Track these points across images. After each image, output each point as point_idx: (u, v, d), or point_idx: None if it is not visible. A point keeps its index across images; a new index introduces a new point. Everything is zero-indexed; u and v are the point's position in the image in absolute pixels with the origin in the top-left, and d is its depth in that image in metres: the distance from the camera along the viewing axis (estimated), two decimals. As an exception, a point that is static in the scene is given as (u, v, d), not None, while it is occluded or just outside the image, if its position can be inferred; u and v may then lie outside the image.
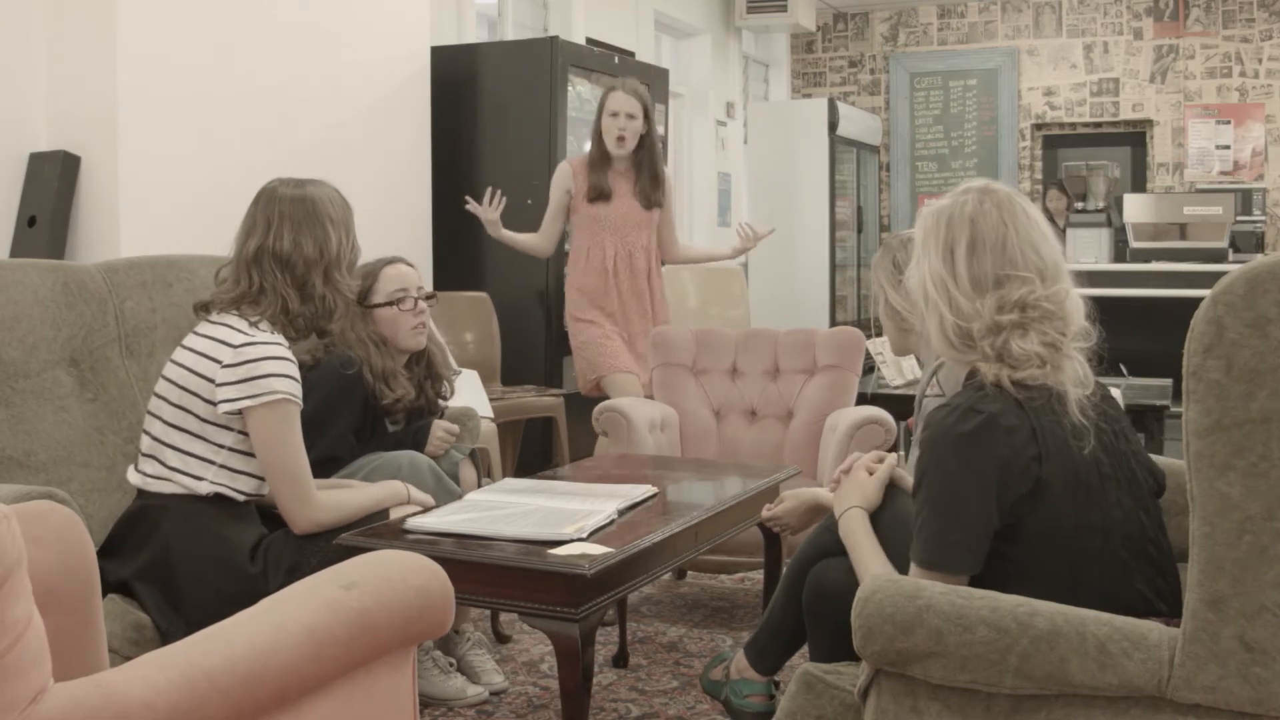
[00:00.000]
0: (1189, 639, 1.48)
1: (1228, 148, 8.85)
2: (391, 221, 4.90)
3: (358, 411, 2.90)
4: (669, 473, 3.17)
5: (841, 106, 8.44)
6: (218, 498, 2.35)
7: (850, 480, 2.16)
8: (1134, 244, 7.26)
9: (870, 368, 4.46)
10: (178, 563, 2.29)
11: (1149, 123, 9.10)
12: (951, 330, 1.83)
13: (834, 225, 8.37)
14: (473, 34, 6.04)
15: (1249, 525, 1.42)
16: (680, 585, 4.00)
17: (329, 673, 1.40)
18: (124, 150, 3.90)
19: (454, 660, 2.95)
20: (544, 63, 5.31)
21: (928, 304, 1.87)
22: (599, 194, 4.32)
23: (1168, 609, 1.72)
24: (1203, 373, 1.44)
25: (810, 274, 8.31)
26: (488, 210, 4.34)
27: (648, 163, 4.34)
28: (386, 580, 1.50)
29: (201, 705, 1.21)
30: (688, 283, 6.25)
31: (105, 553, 2.30)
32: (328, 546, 2.31)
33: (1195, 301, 1.50)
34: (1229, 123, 8.85)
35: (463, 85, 5.42)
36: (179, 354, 2.40)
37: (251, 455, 2.36)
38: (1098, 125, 9.29)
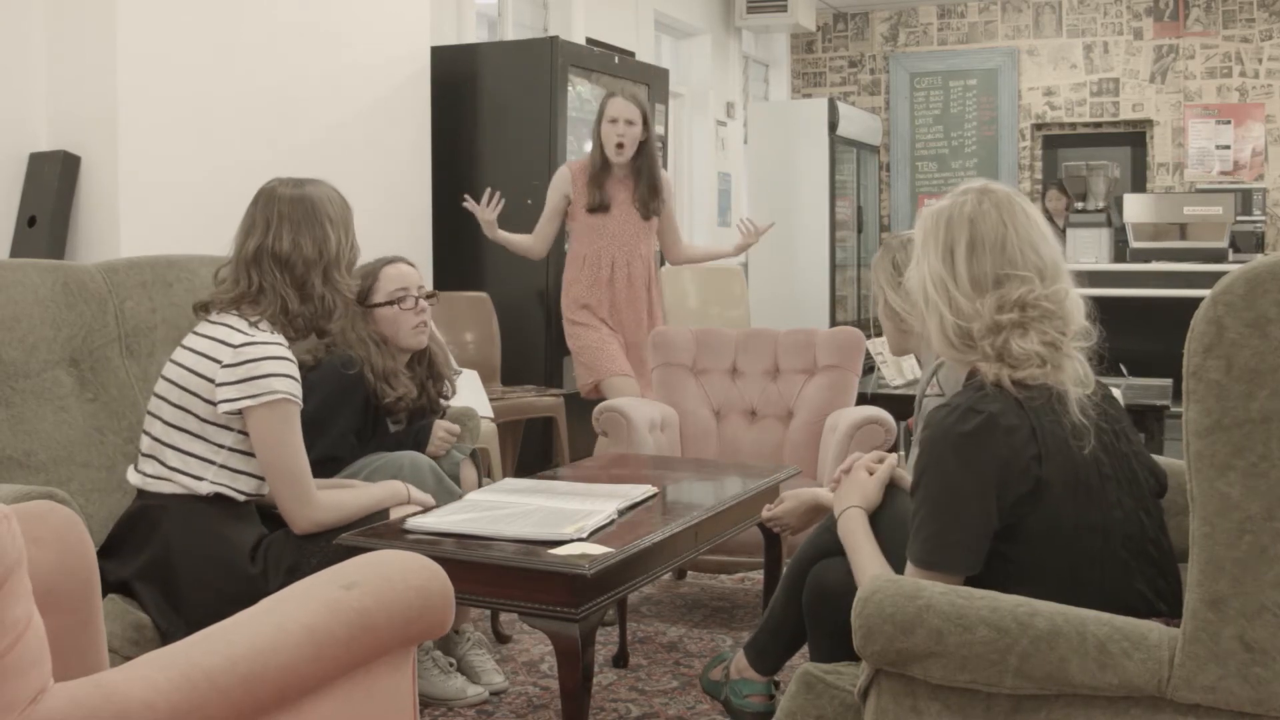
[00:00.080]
0: (1189, 639, 1.48)
1: (1228, 148, 8.85)
2: (391, 221, 4.90)
3: (359, 411, 2.90)
4: (669, 473, 3.17)
5: (841, 106, 8.44)
6: (218, 498, 2.35)
7: (850, 480, 2.16)
8: (1134, 244, 7.26)
9: (870, 368, 4.46)
10: (178, 563, 2.29)
11: (1149, 123, 9.10)
12: (951, 330, 1.83)
13: (834, 225, 8.37)
14: (473, 34, 6.04)
15: (1249, 525, 1.42)
16: (680, 585, 4.00)
17: (329, 673, 1.40)
18: (124, 150, 3.90)
19: (454, 660, 2.95)
20: (544, 63, 5.31)
21: (927, 304, 1.87)
22: (598, 205, 4.32)
23: (1168, 609, 1.72)
24: (1203, 373, 1.44)
25: (810, 274, 8.31)
26: (485, 211, 4.34)
27: (646, 171, 4.34)
28: (386, 580, 1.50)
29: (201, 705, 1.21)
30: (688, 283, 6.25)
31: (105, 553, 2.30)
32: (328, 546, 2.31)
33: (1195, 301, 1.50)
34: (1229, 123, 8.85)
35: (463, 85, 5.42)
36: (179, 354, 2.40)
37: (252, 455, 2.36)
38: (1098, 125, 9.29)
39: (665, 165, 5.25)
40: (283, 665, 1.31)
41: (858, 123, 8.76)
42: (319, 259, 2.44)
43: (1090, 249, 7.37)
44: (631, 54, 7.01)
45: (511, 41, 6.16)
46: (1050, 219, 8.05)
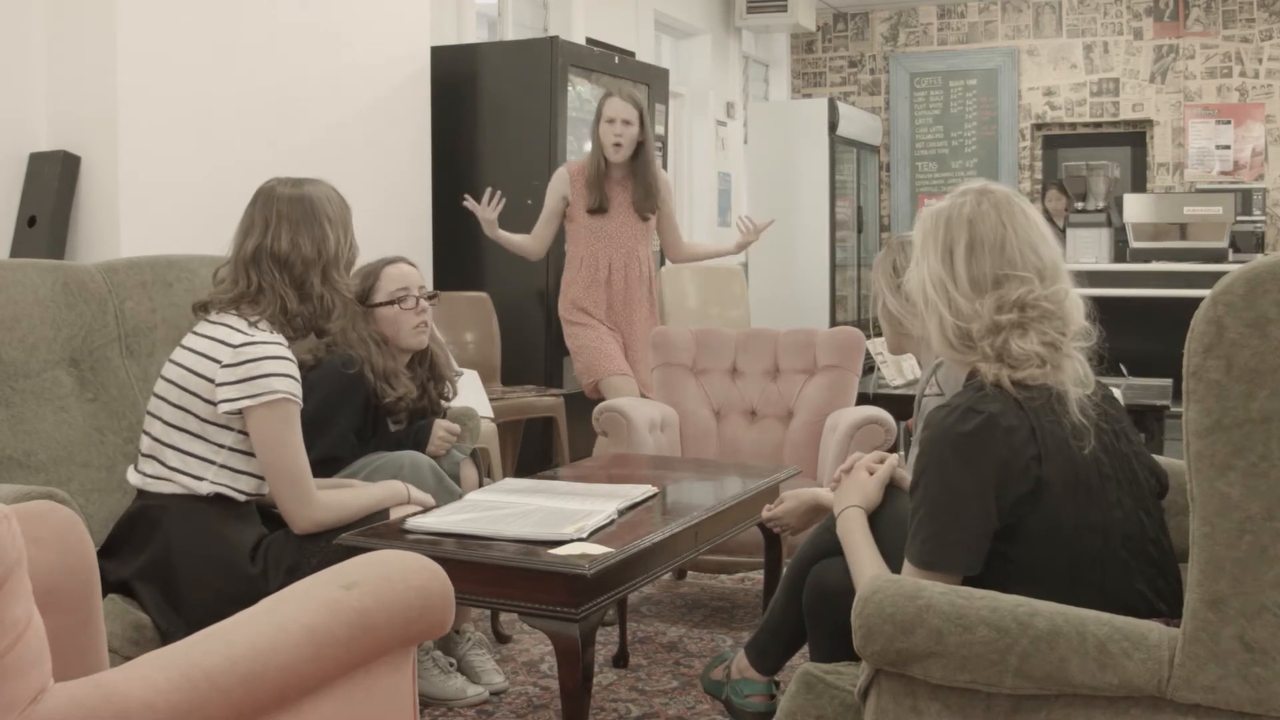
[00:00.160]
0: (1189, 639, 1.48)
1: (1228, 148, 8.85)
2: (391, 221, 4.90)
3: (359, 411, 2.90)
4: (669, 473, 3.17)
5: (841, 106, 8.44)
6: (218, 498, 2.35)
7: (851, 480, 2.16)
8: (1134, 244, 7.26)
9: (870, 368, 4.46)
10: (178, 563, 2.29)
11: (1149, 123, 9.10)
12: (951, 331, 1.83)
13: (834, 225, 8.37)
14: (473, 34, 6.04)
15: (1249, 525, 1.42)
16: (680, 585, 4.00)
17: (329, 673, 1.40)
18: (124, 150, 3.90)
19: (454, 660, 2.95)
20: (544, 63, 5.31)
21: (927, 305, 1.87)
22: (597, 207, 4.33)
23: (1168, 609, 1.72)
24: (1203, 373, 1.44)
25: (810, 274, 8.30)
26: (486, 210, 4.35)
27: (643, 172, 4.34)
28: (386, 580, 1.50)
29: (201, 705, 1.21)
30: (688, 283, 6.25)
31: (106, 553, 2.30)
32: (328, 546, 2.31)
33: (1195, 301, 1.50)
34: (1229, 123, 8.85)
35: (463, 85, 5.42)
36: (178, 354, 2.40)
37: (252, 455, 2.36)
38: (1098, 125, 9.29)
39: (665, 165, 5.25)
40: (283, 665, 1.31)
41: (858, 123, 8.76)
42: (318, 259, 2.44)
43: (1090, 249, 7.37)
44: (631, 54, 7.01)
45: (511, 41, 6.16)
46: (1050, 219, 8.06)
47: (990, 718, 1.59)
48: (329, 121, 4.68)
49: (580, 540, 2.25)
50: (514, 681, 3.03)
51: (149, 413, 2.40)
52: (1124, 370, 4.70)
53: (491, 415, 4.31)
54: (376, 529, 2.39)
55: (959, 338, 1.83)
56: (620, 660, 3.19)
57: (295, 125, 4.49)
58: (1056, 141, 9.49)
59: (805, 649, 2.30)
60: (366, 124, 4.88)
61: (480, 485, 3.02)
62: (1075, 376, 1.78)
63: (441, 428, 3.03)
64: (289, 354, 2.38)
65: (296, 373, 2.37)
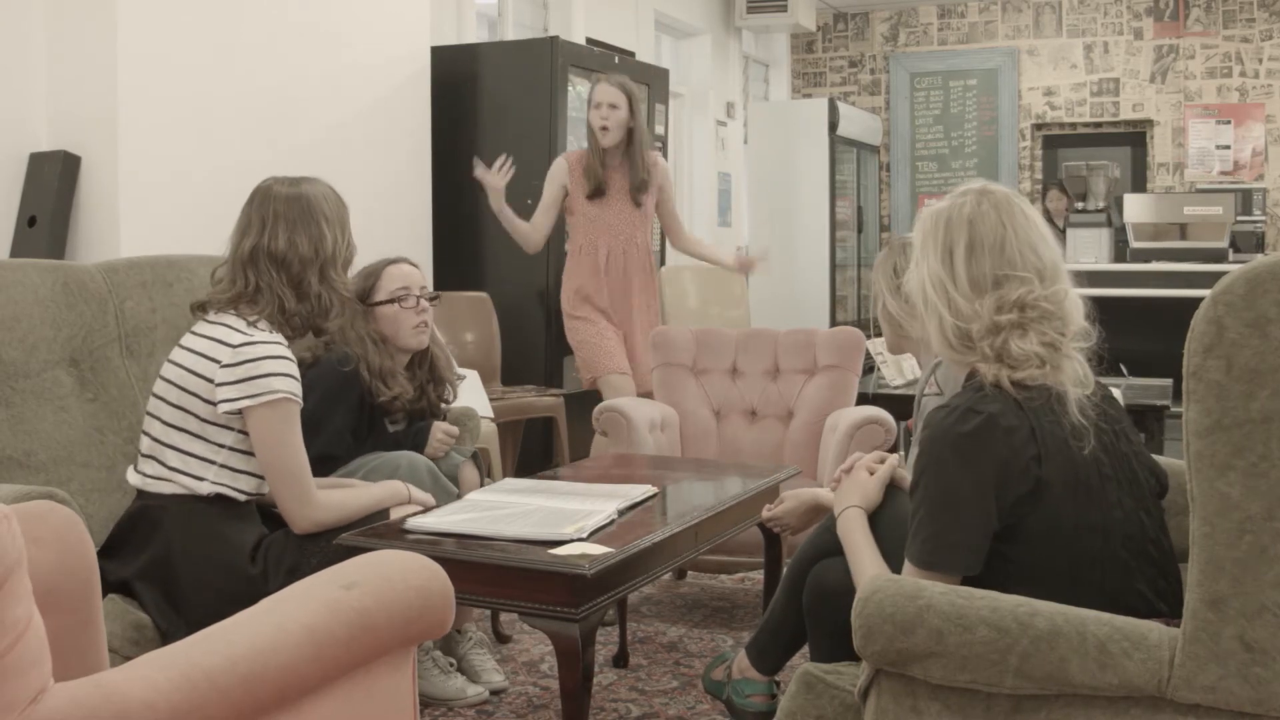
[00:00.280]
0: (1189, 639, 1.48)
1: (1228, 148, 8.85)
2: (391, 221, 4.90)
3: (354, 409, 2.90)
4: (669, 473, 3.17)
5: (842, 106, 8.44)
6: (218, 498, 2.35)
7: (851, 480, 2.16)
8: (1134, 244, 7.26)
9: (870, 368, 4.46)
10: (178, 563, 2.29)
11: (1149, 123, 9.10)
12: (951, 331, 1.83)
13: (834, 225, 8.37)
14: (473, 34, 6.04)
15: (1249, 525, 1.42)
16: (680, 585, 4.00)
17: (329, 673, 1.40)
18: (124, 150, 3.90)
19: (454, 660, 2.95)
20: (544, 63, 5.31)
21: (927, 306, 1.87)
22: (595, 190, 4.35)
23: (1168, 609, 1.72)
24: (1203, 373, 1.44)
25: (810, 274, 8.30)
26: (495, 176, 4.35)
27: (633, 157, 4.35)
28: (386, 580, 1.50)
29: (201, 705, 1.21)
30: (688, 283, 6.25)
31: (106, 553, 2.30)
32: (328, 546, 2.31)
33: (1195, 301, 1.50)
34: (1229, 123, 8.85)
35: (463, 85, 5.42)
36: (177, 354, 2.40)
37: (252, 455, 2.36)
38: (1098, 125, 9.29)
39: (665, 155, 5.25)
40: (283, 665, 1.31)
41: (858, 123, 8.76)
42: (315, 258, 2.43)
43: (1090, 249, 7.37)
44: (631, 54, 7.01)
45: (511, 41, 6.16)
46: (1050, 219, 8.07)
47: (990, 718, 1.59)
48: (329, 121, 4.68)
49: (580, 540, 2.25)
50: (514, 681, 3.03)
51: (148, 413, 2.40)
52: (1124, 370, 4.70)
53: (491, 415, 4.31)
54: (376, 529, 2.39)
55: (958, 338, 1.83)
56: (620, 660, 3.19)
57: (295, 125, 4.49)
58: (1056, 141, 9.49)
59: (805, 649, 2.30)
60: (366, 124, 4.88)
61: (481, 486, 3.02)
62: (1075, 377, 1.78)
63: (440, 430, 3.03)
64: (289, 353, 2.37)
65: (296, 372, 2.37)
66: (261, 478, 2.39)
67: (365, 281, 3.01)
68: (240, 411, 2.31)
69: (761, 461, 3.70)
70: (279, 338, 2.39)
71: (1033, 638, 1.53)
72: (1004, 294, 1.80)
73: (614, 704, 2.90)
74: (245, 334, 2.34)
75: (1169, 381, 4.52)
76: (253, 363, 2.30)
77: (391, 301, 2.99)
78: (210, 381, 2.32)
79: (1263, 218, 8.42)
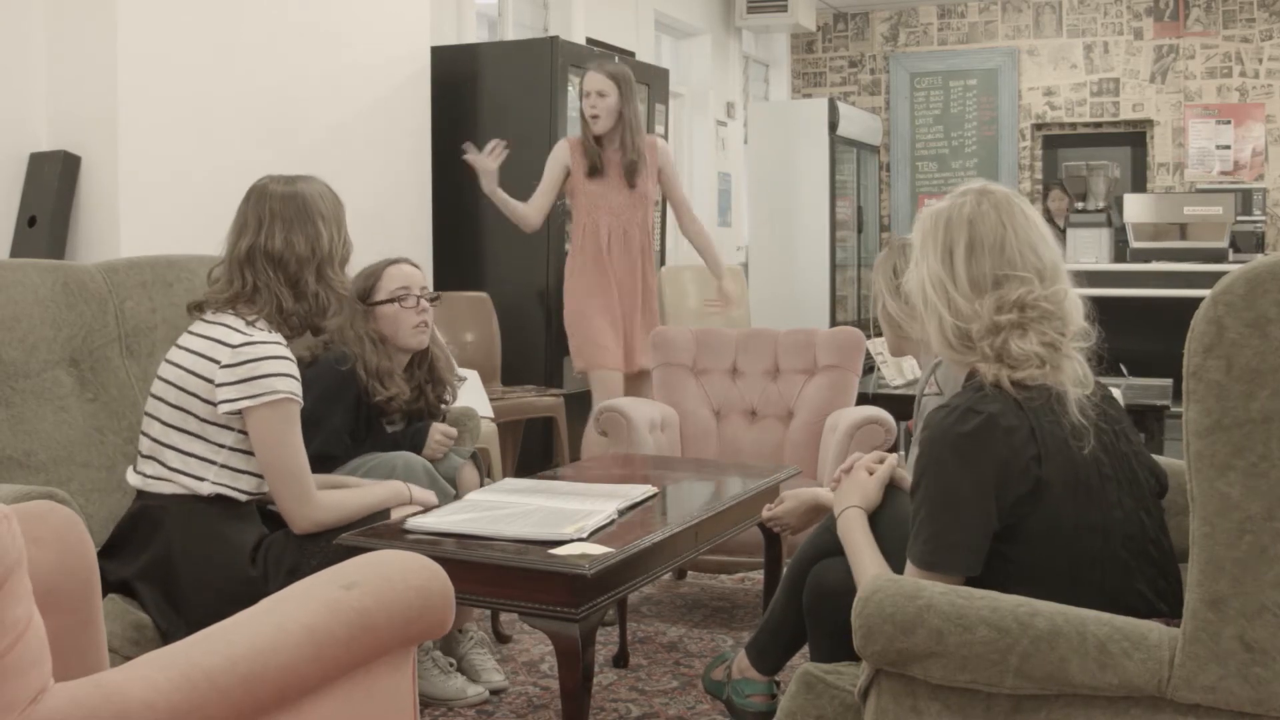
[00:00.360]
0: (1189, 639, 1.48)
1: (1228, 148, 8.85)
2: (391, 221, 4.90)
3: (351, 409, 2.90)
4: (669, 473, 3.17)
5: (842, 106, 8.44)
6: (219, 498, 2.34)
7: (850, 480, 2.16)
8: (1134, 244, 7.26)
9: (870, 368, 4.46)
10: (179, 563, 2.29)
11: (1149, 123, 9.10)
12: (951, 331, 1.83)
13: (834, 225, 8.37)
14: (473, 34, 6.04)
15: (1249, 525, 1.42)
16: (680, 585, 4.00)
17: (329, 673, 1.40)
18: (124, 150, 3.90)
19: (454, 660, 2.95)
20: (544, 63, 5.31)
21: (927, 306, 1.87)
22: (593, 167, 4.38)
23: (1168, 609, 1.72)
24: (1203, 373, 1.44)
25: (810, 274, 8.30)
26: (486, 159, 4.35)
27: (623, 141, 4.37)
28: (386, 580, 1.50)
29: (201, 705, 1.21)
30: (688, 283, 6.25)
31: (106, 553, 2.30)
32: (328, 547, 2.31)
33: (1195, 301, 1.50)
34: (1229, 123, 8.85)
35: (463, 85, 5.41)
36: (175, 354, 2.40)
37: (253, 454, 2.35)
38: (1098, 125, 9.29)
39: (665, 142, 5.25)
40: (283, 665, 1.31)
41: (858, 123, 8.76)
42: (312, 257, 2.43)
43: (1090, 249, 7.37)
44: (631, 54, 7.01)
45: (511, 41, 6.16)
46: (1051, 219, 8.07)
47: (990, 718, 1.59)
48: (329, 121, 4.68)
49: (580, 540, 2.25)
50: (514, 681, 3.03)
51: (147, 413, 2.40)
52: (1124, 370, 4.70)
53: (492, 415, 4.31)
54: (376, 529, 2.39)
55: (958, 338, 1.83)
56: (620, 660, 3.19)
57: (295, 125, 4.49)
58: (1056, 141, 9.49)
59: (805, 649, 2.30)
60: (366, 124, 4.88)
61: (480, 487, 3.02)
62: (1074, 377, 1.78)
63: (438, 431, 3.03)
64: (288, 353, 2.37)
65: (296, 371, 2.37)
66: (262, 477, 2.38)
67: (365, 281, 3.01)
68: (240, 412, 2.31)
69: (761, 461, 3.70)
70: (278, 337, 2.38)
71: (1033, 638, 1.53)
72: (1004, 294, 1.80)
73: (614, 704, 2.90)
74: (245, 334, 2.34)
75: (1169, 381, 4.52)
76: (253, 363, 2.30)
77: (391, 301, 2.99)
78: (210, 382, 2.31)
79: (1263, 218, 8.42)
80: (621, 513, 2.52)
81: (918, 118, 9.72)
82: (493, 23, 6.56)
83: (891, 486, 2.16)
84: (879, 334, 2.77)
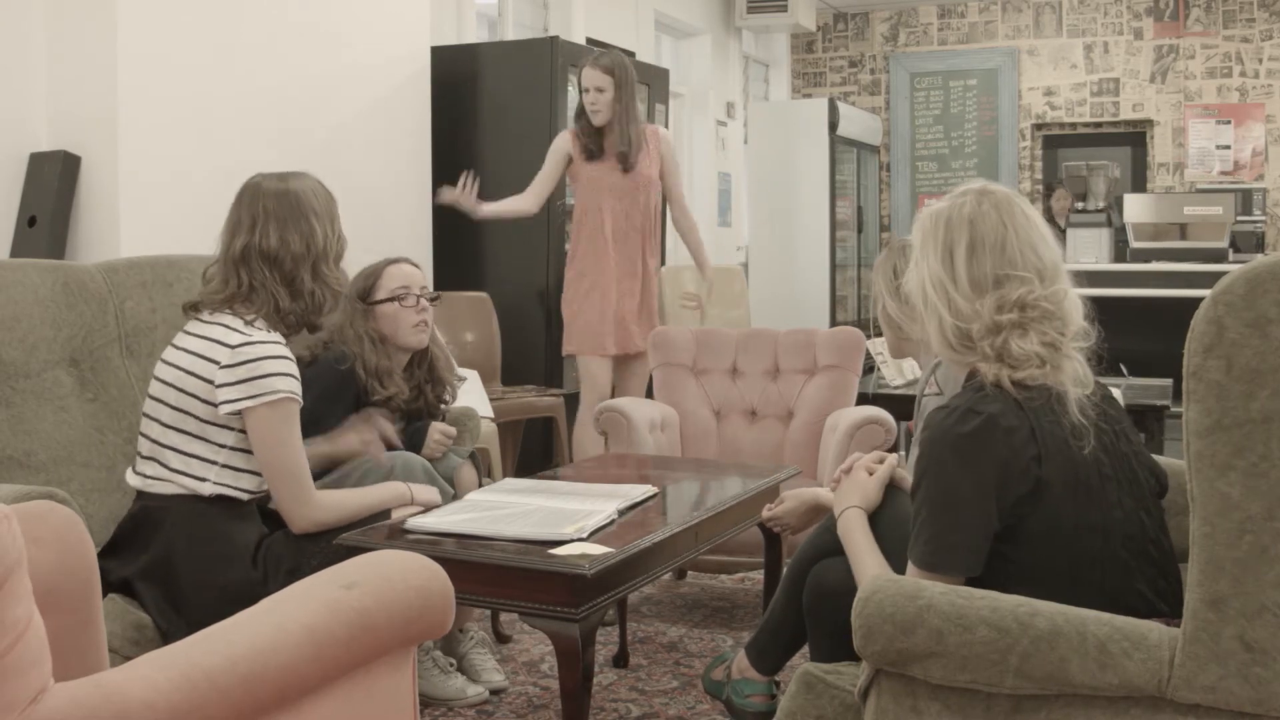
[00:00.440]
0: (1189, 639, 1.48)
1: (1228, 148, 8.85)
2: (391, 221, 4.90)
3: (350, 408, 2.90)
4: (669, 473, 3.17)
5: (842, 106, 8.44)
6: (220, 498, 2.34)
7: (850, 480, 2.16)
8: (1134, 244, 7.26)
9: (870, 368, 4.46)
10: (179, 563, 2.29)
11: (1149, 123, 9.10)
12: (951, 332, 1.83)
13: (834, 225, 8.37)
14: (473, 34, 6.04)
15: (1249, 525, 1.42)
16: (680, 585, 4.00)
17: (329, 673, 1.40)
18: (124, 150, 3.90)
19: (454, 660, 2.95)
20: (544, 63, 5.31)
21: (927, 306, 1.87)
22: (590, 152, 4.41)
23: (1169, 609, 1.72)
24: (1203, 373, 1.44)
25: (810, 274, 8.30)
26: (463, 196, 4.37)
27: (620, 129, 4.39)
28: (386, 580, 1.50)
29: (201, 705, 1.21)
30: (688, 283, 6.24)
31: (107, 553, 2.30)
32: (328, 547, 2.31)
33: (1195, 301, 1.50)
34: (1229, 123, 8.85)
35: (463, 85, 5.42)
36: (172, 354, 2.38)
37: (253, 454, 2.35)
38: (1098, 125, 9.29)
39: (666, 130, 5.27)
40: (283, 665, 1.31)
41: (858, 123, 8.76)
42: (307, 254, 2.42)
43: (1090, 249, 7.37)
44: (631, 54, 7.01)
45: (511, 41, 6.16)
46: (1054, 219, 8.07)
47: (990, 718, 1.59)
48: (329, 121, 4.68)
49: (580, 540, 2.25)
50: (514, 681, 3.03)
51: (145, 415, 2.39)
52: (1124, 370, 4.70)
53: (492, 415, 4.31)
54: (376, 529, 2.39)
55: (958, 338, 1.83)
56: (620, 660, 3.19)
57: (295, 125, 4.49)
58: (1056, 141, 9.49)
59: (805, 649, 2.30)
60: (366, 124, 4.88)
61: (480, 486, 3.02)
62: (1074, 377, 1.78)
63: (438, 430, 3.02)
64: (287, 352, 2.37)
65: (296, 370, 2.37)
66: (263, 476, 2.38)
67: (365, 281, 3.02)
68: (240, 412, 2.30)
69: (761, 461, 3.70)
70: (277, 337, 2.38)
71: (1033, 638, 1.53)
72: (1005, 294, 1.80)
73: (614, 704, 2.90)
74: (244, 334, 2.34)
75: (1169, 381, 4.51)
76: (253, 363, 2.30)
77: (391, 300, 2.99)
78: (210, 383, 2.31)
79: (1263, 218, 8.43)
80: (621, 513, 2.52)
81: (918, 118, 9.72)
82: (493, 23, 6.56)
83: (891, 486, 2.16)
84: (879, 334, 2.77)
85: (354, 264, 3.03)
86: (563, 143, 4.50)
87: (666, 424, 3.86)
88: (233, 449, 2.35)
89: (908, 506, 1.86)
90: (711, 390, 4.03)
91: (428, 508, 2.53)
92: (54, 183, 3.85)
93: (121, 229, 3.88)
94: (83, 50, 3.90)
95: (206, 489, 2.33)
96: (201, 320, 2.40)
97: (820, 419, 3.83)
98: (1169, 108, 9.01)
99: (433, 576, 1.56)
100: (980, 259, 1.82)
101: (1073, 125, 9.37)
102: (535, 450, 5.27)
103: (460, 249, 5.35)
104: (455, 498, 2.76)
